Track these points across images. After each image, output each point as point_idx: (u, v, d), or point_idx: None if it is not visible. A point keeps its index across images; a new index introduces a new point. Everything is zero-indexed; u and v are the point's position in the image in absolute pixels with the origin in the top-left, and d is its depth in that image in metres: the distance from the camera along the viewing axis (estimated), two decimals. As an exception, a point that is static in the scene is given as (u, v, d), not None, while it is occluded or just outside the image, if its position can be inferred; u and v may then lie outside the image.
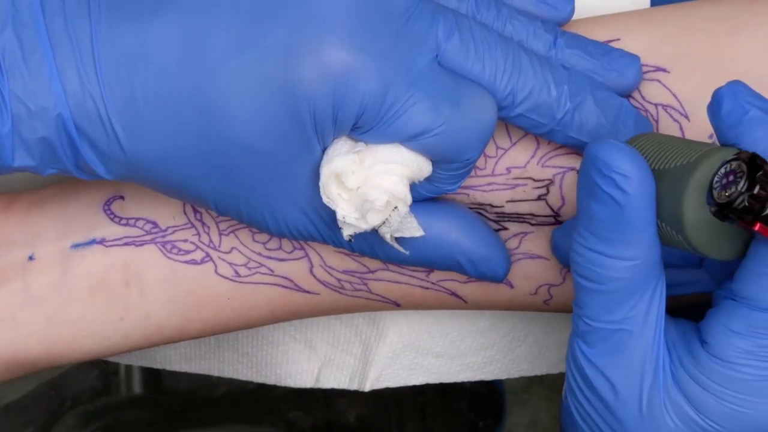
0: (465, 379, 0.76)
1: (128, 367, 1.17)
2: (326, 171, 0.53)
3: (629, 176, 0.50)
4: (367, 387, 0.75)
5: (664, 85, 0.58)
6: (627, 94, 0.58)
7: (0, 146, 0.52)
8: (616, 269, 0.51)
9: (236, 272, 0.62)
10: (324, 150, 0.54)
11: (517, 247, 0.60)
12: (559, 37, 0.57)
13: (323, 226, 0.56)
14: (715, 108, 0.51)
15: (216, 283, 0.62)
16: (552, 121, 0.56)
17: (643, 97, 0.58)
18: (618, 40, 0.59)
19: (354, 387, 0.75)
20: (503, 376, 0.76)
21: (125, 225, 0.62)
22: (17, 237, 0.62)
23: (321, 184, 0.53)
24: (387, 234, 0.54)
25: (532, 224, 0.60)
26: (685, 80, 0.58)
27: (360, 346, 0.74)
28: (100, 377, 1.18)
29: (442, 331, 0.73)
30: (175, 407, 1.09)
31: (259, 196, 0.54)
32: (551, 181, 0.59)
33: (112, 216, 0.62)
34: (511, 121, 0.56)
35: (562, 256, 0.59)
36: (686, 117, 0.57)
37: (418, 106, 0.53)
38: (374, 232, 0.55)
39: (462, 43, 0.54)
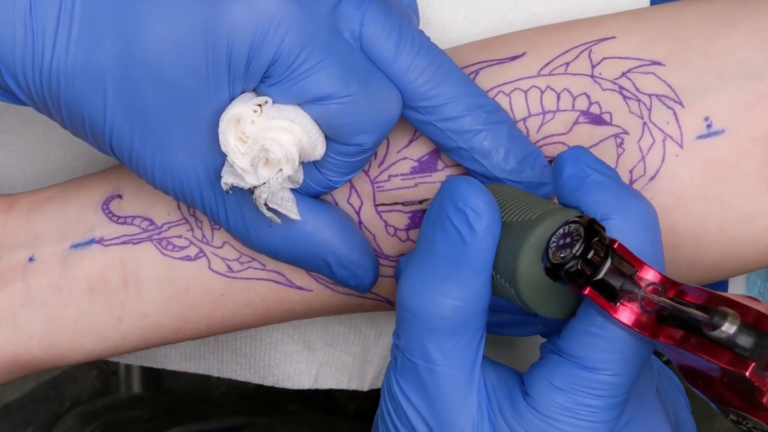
0: (463, 379, 0.76)
1: (128, 367, 1.17)
2: (227, 115, 0.53)
3: (481, 215, 0.50)
4: (366, 386, 0.75)
5: (658, 77, 0.58)
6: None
7: None
8: (442, 307, 0.51)
9: (229, 267, 0.62)
10: (231, 99, 0.54)
11: None
12: None
13: (207, 184, 0.56)
14: (557, 171, 0.52)
15: (210, 280, 0.62)
16: (461, 138, 0.56)
17: (637, 89, 0.58)
18: (614, 38, 0.59)
19: (353, 387, 0.75)
20: (501, 375, 0.76)
21: (123, 223, 0.62)
22: (19, 238, 0.62)
23: (220, 129, 0.53)
24: (263, 195, 0.54)
25: None
26: (681, 72, 0.58)
27: (359, 345, 0.74)
28: (99, 377, 1.18)
29: (441, 331, 0.73)
30: (174, 405, 1.09)
31: (155, 130, 0.55)
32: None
33: (110, 215, 0.62)
34: (420, 127, 0.57)
35: None
36: (680, 104, 0.57)
37: (329, 71, 0.53)
38: (253, 206, 0.55)
39: (384, 34, 0.55)
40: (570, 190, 0.52)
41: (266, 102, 0.54)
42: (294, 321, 0.74)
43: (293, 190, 0.57)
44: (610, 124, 0.58)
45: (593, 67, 0.58)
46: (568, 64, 0.59)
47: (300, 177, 0.57)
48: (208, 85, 0.54)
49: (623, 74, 0.58)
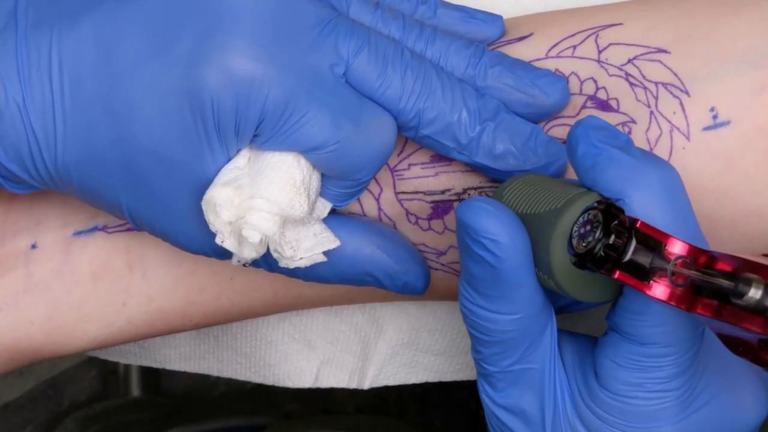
0: (464, 378, 0.76)
1: (127, 367, 1.17)
2: (204, 201, 0.53)
3: (498, 240, 0.50)
4: (366, 385, 0.75)
5: (664, 65, 0.58)
6: (554, 115, 0.58)
7: None
8: (500, 323, 0.52)
9: None
10: (229, 159, 0.54)
11: None
12: (484, 56, 0.57)
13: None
14: (571, 150, 0.52)
15: (216, 262, 0.61)
16: (459, 145, 0.56)
17: (644, 77, 0.58)
18: (620, 24, 0.59)
19: (353, 385, 0.75)
20: (502, 375, 0.76)
21: None
22: (22, 225, 0.62)
23: (204, 212, 0.54)
24: (292, 262, 0.55)
25: None
26: (686, 60, 0.58)
27: (359, 344, 0.74)
28: (98, 377, 1.18)
29: (442, 330, 0.73)
30: (173, 408, 1.09)
31: (169, 205, 0.55)
32: None
33: None
34: (419, 142, 0.57)
35: None
36: (686, 93, 0.57)
37: (317, 120, 0.53)
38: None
39: (371, 62, 0.55)
40: (585, 169, 0.51)
41: (243, 179, 0.54)
42: (294, 320, 0.73)
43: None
44: (617, 111, 0.58)
45: (600, 52, 0.59)
46: (575, 47, 0.59)
47: (324, 209, 0.57)
48: (203, 152, 0.54)
49: (629, 61, 0.58)
